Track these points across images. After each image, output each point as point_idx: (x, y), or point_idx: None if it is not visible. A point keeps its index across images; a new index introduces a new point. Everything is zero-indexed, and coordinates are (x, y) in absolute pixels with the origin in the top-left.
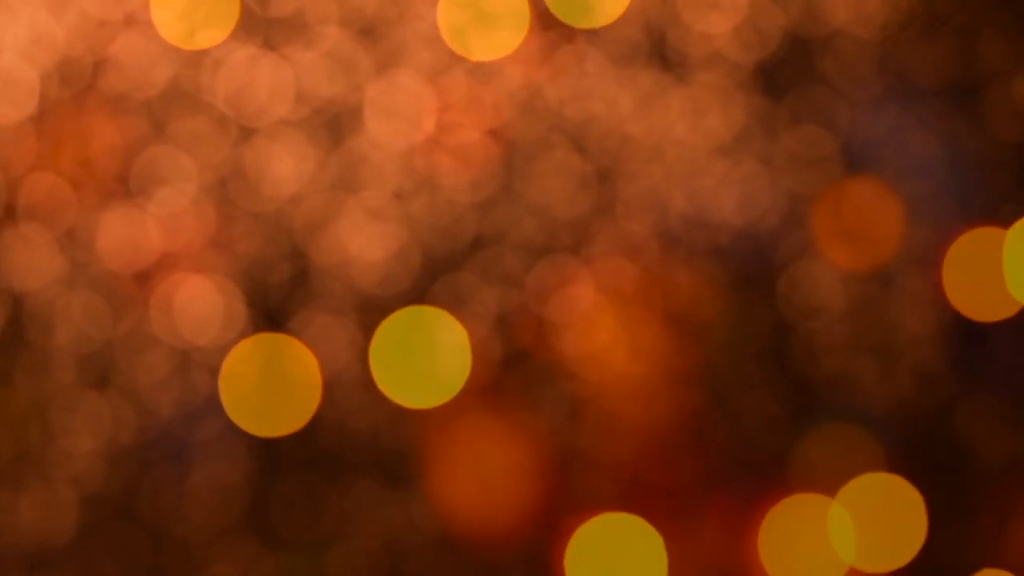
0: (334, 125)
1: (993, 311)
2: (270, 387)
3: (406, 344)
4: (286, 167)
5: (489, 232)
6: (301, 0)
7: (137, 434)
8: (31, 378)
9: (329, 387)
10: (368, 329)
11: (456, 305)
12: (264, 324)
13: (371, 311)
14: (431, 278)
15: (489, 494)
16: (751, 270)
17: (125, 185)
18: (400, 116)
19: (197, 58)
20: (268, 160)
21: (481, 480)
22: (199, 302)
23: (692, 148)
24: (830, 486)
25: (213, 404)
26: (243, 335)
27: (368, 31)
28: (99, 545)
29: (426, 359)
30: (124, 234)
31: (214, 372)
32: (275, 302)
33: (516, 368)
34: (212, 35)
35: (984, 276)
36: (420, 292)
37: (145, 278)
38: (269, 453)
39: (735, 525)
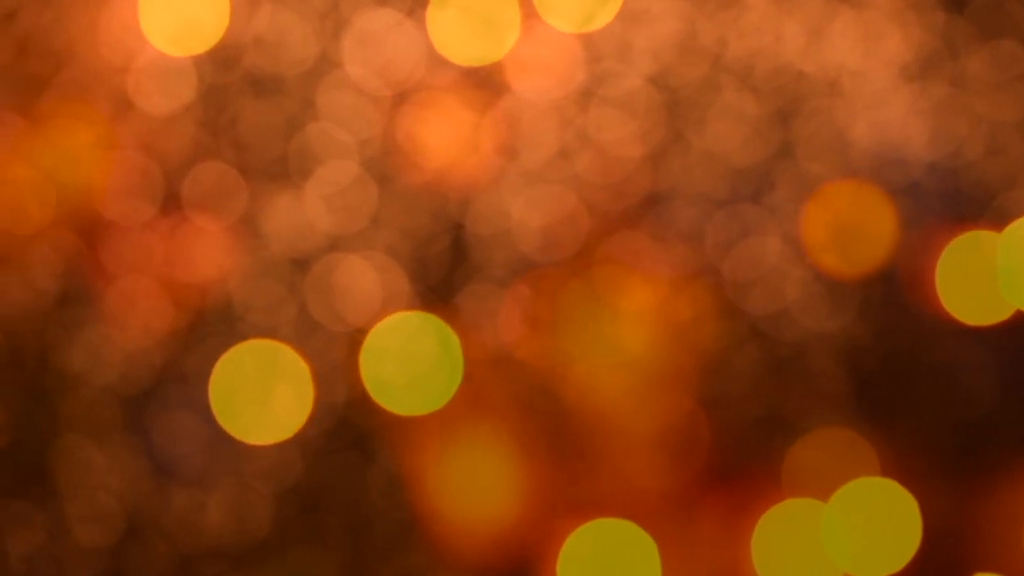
0: (483, 86)
1: (987, 315)
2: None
3: (397, 350)
4: (439, 134)
5: (660, 186)
6: None
7: (317, 424)
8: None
9: (495, 363)
10: (536, 298)
11: (633, 266)
12: (427, 300)
13: (537, 279)
14: (600, 240)
15: (479, 500)
16: (951, 209)
17: (285, 167)
18: (551, 70)
19: (341, 29)
20: (421, 129)
21: (470, 486)
22: (362, 282)
23: (872, 78)
24: (824, 490)
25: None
26: (408, 312)
27: None
28: (292, 539)
29: (417, 365)
30: (290, 218)
31: (386, 354)
32: (437, 276)
33: (507, 372)
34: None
35: (978, 279)
36: (588, 255)
37: (311, 261)
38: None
39: (729, 530)
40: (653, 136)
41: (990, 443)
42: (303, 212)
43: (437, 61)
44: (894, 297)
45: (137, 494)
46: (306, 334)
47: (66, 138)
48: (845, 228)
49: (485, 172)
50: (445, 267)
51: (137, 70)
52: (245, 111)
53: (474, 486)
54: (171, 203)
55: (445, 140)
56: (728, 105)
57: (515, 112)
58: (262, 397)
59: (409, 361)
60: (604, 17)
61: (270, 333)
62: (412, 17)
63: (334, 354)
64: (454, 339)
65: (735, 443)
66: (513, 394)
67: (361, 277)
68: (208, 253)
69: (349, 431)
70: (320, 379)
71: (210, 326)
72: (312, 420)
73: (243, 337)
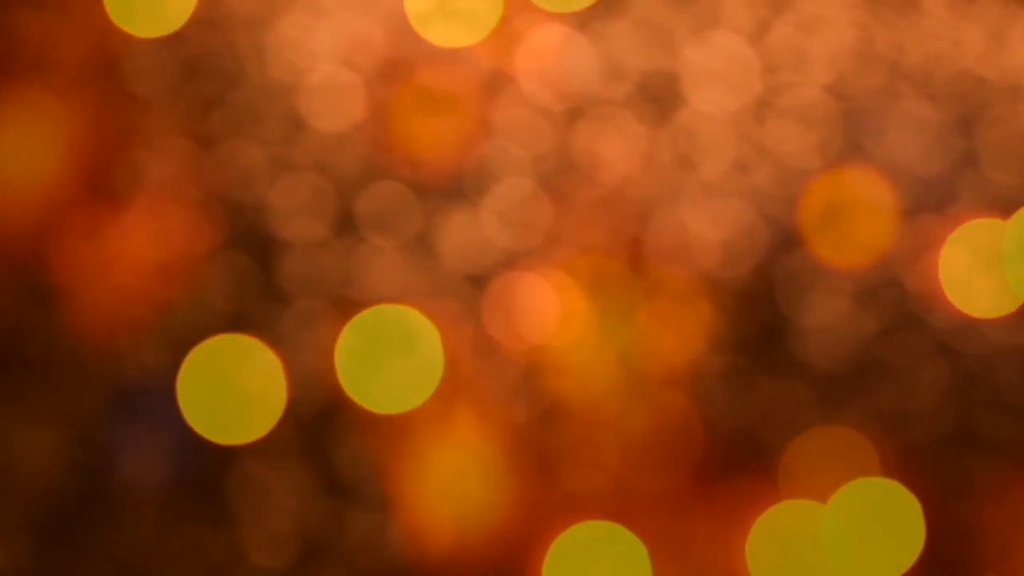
0: (658, 99)
1: (992, 307)
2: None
3: (375, 346)
4: (615, 148)
5: (839, 197)
6: None
7: (495, 442)
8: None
9: (693, 376)
10: (715, 312)
11: (810, 282)
12: (605, 316)
13: (717, 294)
14: (781, 253)
15: (464, 503)
16: None
17: (460, 184)
18: (726, 81)
19: (512, 44)
20: (596, 143)
21: (455, 488)
22: (540, 299)
23: None
24: (822, 491)
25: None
26: (586, 330)
27: None
28: (471, 559)
29: (397, 361)
30: (466, 235)
31: (561, 373)
32: (615, 292)
33: (492, 369)
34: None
35: (982, 270)
36: (768, 269)
37: (487, 278)
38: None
39: (723, 533)
40: (831, 147)
41: (996, 442)
42: (478, 229)
43: (612, 75)
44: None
45: (313, 516)
46: (483, 352)
47: (237, 159)
48: None
49: (662, 186)
50: (623, 283)
51: (308, 89)
52: (418, 128)
53: (459, 487)
54: (345, 222)
55: (621, 154)
56: (907, 113)
57: (691, 125)
58: (438, 416)
59: (387, 358)
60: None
61: (446, 352)
62: (585, 31)
63: (512, 372)
64: (434, 334)
65: (729, 443)
66: (498, 391)
67: (538, 294)
68: (383, 272)
69: (528, 450)
70: (497, 397)
71: (386, 346)
72: (488, 437)
73: (419, 357)
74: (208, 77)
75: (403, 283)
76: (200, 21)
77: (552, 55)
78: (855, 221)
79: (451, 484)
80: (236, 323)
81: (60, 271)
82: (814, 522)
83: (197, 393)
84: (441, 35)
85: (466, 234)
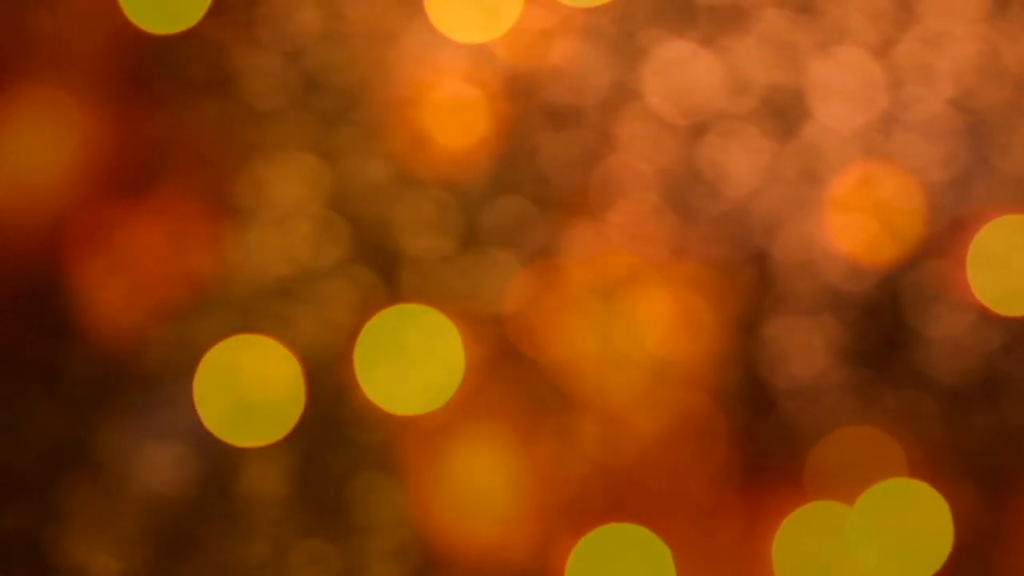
0: (783, 113)
1: (1020, 305)
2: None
3: (394, 346)
4: (740, 163)
5: (967, 211)
6: None
7: (622, 454)
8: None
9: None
10: (842, 327)
11: (935, 295)
12: (735, 331)
13: (844, 309)
14: (907, 267)
15: (484, 505)
16: None
17: (584, 198)
18: (851, 96)
19: (637, 59)
20: (721, 158)
21: (475, 490)
22: (664, 314)
23: None
24: (848, 493)
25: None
26: (713, 344)
27: (806, 9)
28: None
29: (416, 362)
30: (590, 249)
31: (689, 386)
32: (742, 307)
33: (511, 371)
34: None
35: (1011, 267)
36: (893, 283)
37: (612, 292)
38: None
39: (748, 535)
40: (957, 160)
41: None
42: (603, 243)
43: (737, 90)
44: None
45: (435, 529)
46: (608, 365)
47: (361, 174)
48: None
49: (788, 200)
50: (750, 297)
51: (432, 105)
52: (543, 143)
53: (479, 489)
54: (469, 236)
55: (746, 168)
56: None
57: (817, 139)
58: (562, 429)
59: (406, 358)
60: None
61: (571, 365)
62: (709, 46)
63: (637, 385)
64: (454, 334)
65: (755, 444)
66: (520, 392)
67: (662, 308)
68: (507, 286)
69: (657, 463)
70: (623, 410)
71: (510, 359)
72: (617, 451)
73: (544, 370)
74: (331, 92)
75: (527, 296)
76: (323, 37)
77: (677, 70)
78: (980, 234)
79: (477, 487)
80: (358, 336)
81: (72, 272)
82: (841, 523)
83: (321, 408)
84: (566, 52)
85: (591, 248)
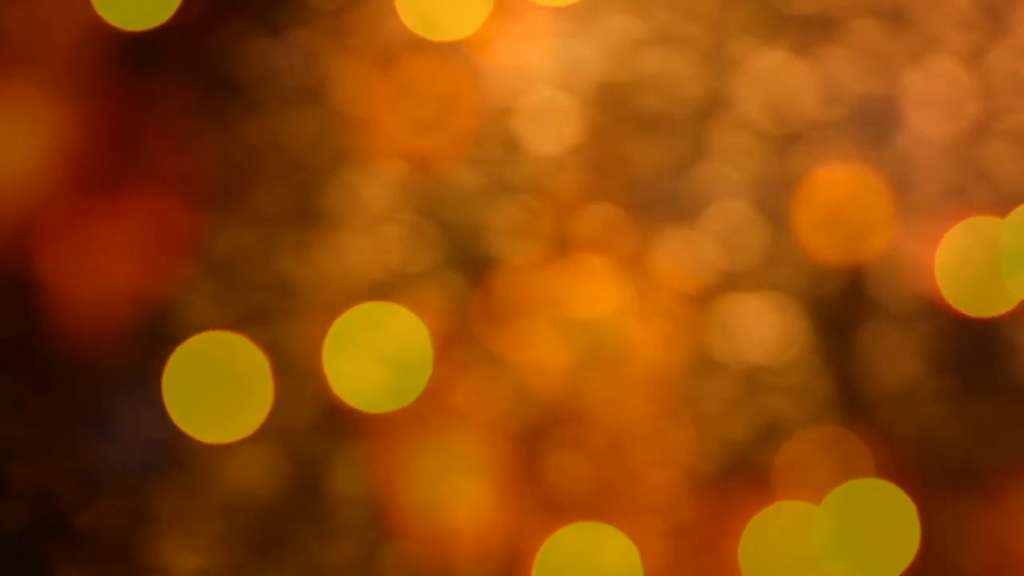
0: (875, 122)
1: (989, 306)
2: None
3: (363, 344)
4: (832, 171)
5: None
6: None
7: (713, 460)
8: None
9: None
10: (933, 335)
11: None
12: (824, 337)
13: (933, 316)
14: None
15: (453, 503)
16: None
17: (675, 206)
18: (942, 105)
19: (729, 68)
20: (813, 166)
21: (444, 488)
22: (759, 320)
23: None
24: (815, 493)
25: (783, 425)
26: (805, 350)
27: (897, 18)
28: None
29: (384, 359)
30: (681, 256)
31: (781, 391)
32: (834, 314)
33: (478, 370)
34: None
35: (980, 269)
36: (983, 293)
37: (705, 299)
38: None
39: (715, 535)
40: None
41: (995, 443)
42: (695, 250)
43: (829, 99)
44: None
45: (522, 531)
46: (700, 371)
47: (453, 181)
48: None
49: (879, 209)
50: (843, 305)
51: (524, 112)
52: (634, 151)
53: (447, 488)
54: (560, 243)
55: (837, 177)
56: None
57: (909, 148)
58: (653, 435)
59: (375, 356)
60: None
61: (663, 369)
62: (801, 55)
63: (728, 391)
64: (423, 332)
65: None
66: (487, 392)
67: (756, 315)
68: (598, 292)
69: (747, 469)
70: (715, 416)
71: (601, 364)
72: (704, 455)
73: (634, 375)
74: (424, 100)
75: (617, 302)
76: (416, 45)
77: (769, 80)
78: None
79: (443, 486)
80: (450, 341)
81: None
82: (808, 524)
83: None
84: (658, 61)
85: (682, 254)
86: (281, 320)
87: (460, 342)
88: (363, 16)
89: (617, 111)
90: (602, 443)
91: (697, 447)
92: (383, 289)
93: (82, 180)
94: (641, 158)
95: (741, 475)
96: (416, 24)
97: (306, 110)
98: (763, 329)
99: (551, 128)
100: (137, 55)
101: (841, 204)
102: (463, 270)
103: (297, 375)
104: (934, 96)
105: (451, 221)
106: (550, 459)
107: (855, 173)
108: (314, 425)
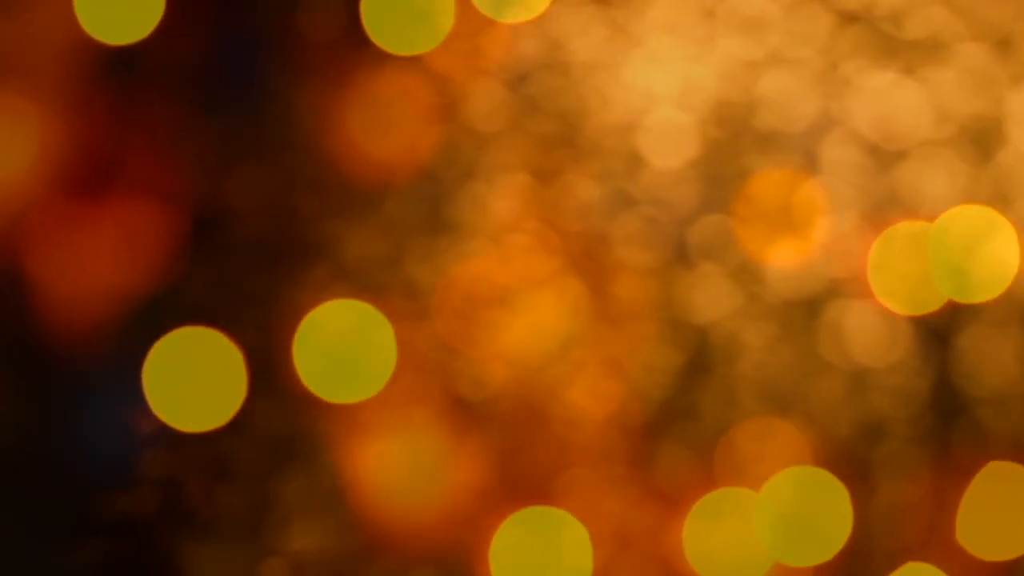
0: (979, 141)
1: (919, 305)
2: None
3: (330, 338)
4: (937, 187)
5: None
6: (934, 22)
7: (817, 455)
8: (718, 407)
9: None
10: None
11: None
12: (925, 341)
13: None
14: None
15: (411, 489)
16: None
17: (789, 217)
18: None
19: (841, 89)
20: (919, 182)
21: (401, 474)
22: (866, 325)
23: None
24: (755, 480)
25: (887, 424)
26: (909, 354)
27: (1004, 43)
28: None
29: (351, 353)
30: (792, 264)
31: (886, 392)
32: (939, 320)
33: (442, 362)
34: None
35: (910, 270)
36: None
37: (815, 305)
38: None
39: (661, 518)
40: None
41: (922, 433)
42: (804, 259)
43: (937, 118)
44: None
45: (632, 524)
46: (808, 372)
47: (576, 193)
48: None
49: (981, 222)
50: (945, 311)
51: (646, 128)
52: (749, 166)
53: (406, 474)
54: (676, 251)
55: (941, 192)
56: None
57: (1012, 165)
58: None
59: (343, 350)
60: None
61: (770, 370)
62: (910, 76)
63: (835, 391)
64: (387, 328)
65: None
66: (446, 383)
67: (862, 321)
68: (709, 298)
69: (853, 463)
70: (821, 414)
71: (712, 366)
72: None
73: (745, 377)
74: (549, 117)
75: (729, 307)
76: (542, 65)
77: (879, 99)
78: None
79: (404, 472)
80: (569, 343)
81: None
82: (748, 508)
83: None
84: (772, 82)
85: (792, 263)
86: (408, 322)
87: (578, 344)
88: (495, 39)
89: (733, 128)
90: (712, 440)
91: (802, 443)
92: (506, 294)
93: (68, 185)
94: (755, 173)
95: (844, 470)
96: (544, 46)
97: (439, 126)
98: (868, 333)
99: (671, 144)
100: (119, 67)
101: (946, 218)
102: (582, 276)
103: (423, 372)
104: None
105: (572, 230)
106: (661, 452)
107: (958, 188)
108: (436, 419)
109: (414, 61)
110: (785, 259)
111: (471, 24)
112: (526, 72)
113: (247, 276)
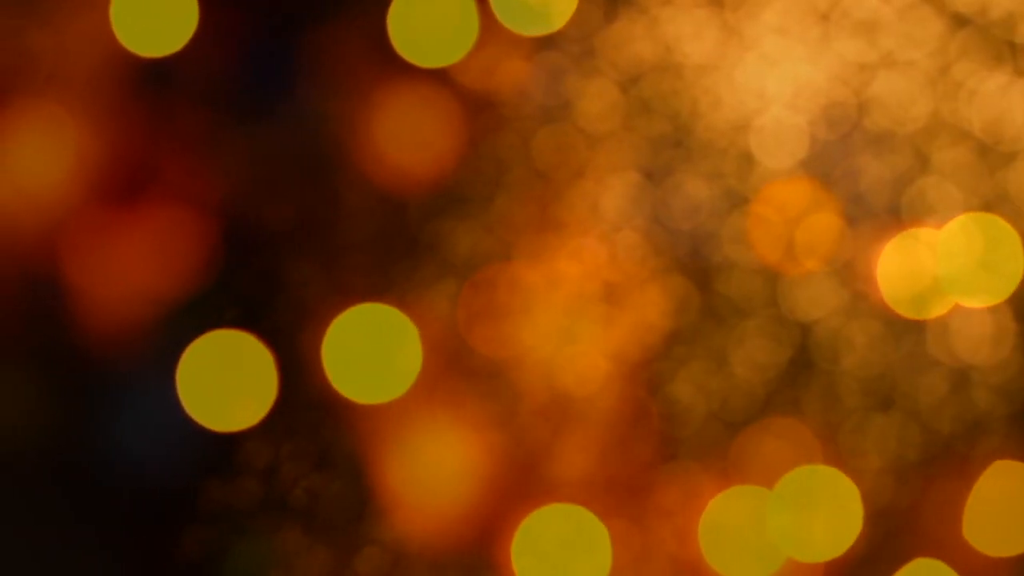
0: None
1: (927, 309)
2: None
3: (358, 340)
4: None
5: None
6: None
7: (921, 451)
8: (820, 403)
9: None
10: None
11: None
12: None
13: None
14: None
15: (435, 489)
16: None
17: (897, 217)
18: None
19: (953, 91)
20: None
21: (427, 473)
22: (972, 322)
23: None
24: (768, 478)
25: (991, 420)
26: (1016, 351)
27: None
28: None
29: (378, 355)
30: (899, 263)
31: (991, 389)
32: None
33: (464, 362)
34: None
35: (918, 274)
36: None
37: (919, 303)
38: None
39: (677, 516)
40: None
41: (930, 432)
42: (911, 259)
43: None
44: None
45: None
46: (909, 371)
47: (686, 192)
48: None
49: None
50: None
51: (758, 129)
52: (858, 166)
53: (430, 473)
54: (783, 249)
55: None
56: None
57: None
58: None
59: (368, 351)
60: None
61: (873, 368)
62: (1021, 79)
63: (938, 390)
64: (412, 329)
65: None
66: (469, 382)
67: (969, 319)
68: (817, 296)
69: (953, 458)
70: (926, 411)
71: (812, 364)
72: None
73: (847, 374)
74: (662, 117)
75: (830, 305)
76: (656, 67)
77: (990, 102)
78: None
79: (428, 472)
80: (675, 339)
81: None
82: (761, 506)
83: None
84: (883, 84)
85: (899, 263)
86: (517, 316)
87: (682, 339)
88: (607, 39)
89: (843, 129)
90: (807, 436)
91: (905, 438)
92: (613, 290)
93: (104, 192)
94: (865, 173)
95: (944, 464)
96: (657, 48)
97: (552, 126)
98: (975, 331)
99: (782, 144)
100: (154, 79)
101: None
102: (688, 274)
103: (531, 368)
104: None
105: (680, 229)
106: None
107: None
108: (540, 414)
109: (439, 74)
110: (889, 258)
111: (495, 38)
112: (639, 73)
113: (278, 280)
